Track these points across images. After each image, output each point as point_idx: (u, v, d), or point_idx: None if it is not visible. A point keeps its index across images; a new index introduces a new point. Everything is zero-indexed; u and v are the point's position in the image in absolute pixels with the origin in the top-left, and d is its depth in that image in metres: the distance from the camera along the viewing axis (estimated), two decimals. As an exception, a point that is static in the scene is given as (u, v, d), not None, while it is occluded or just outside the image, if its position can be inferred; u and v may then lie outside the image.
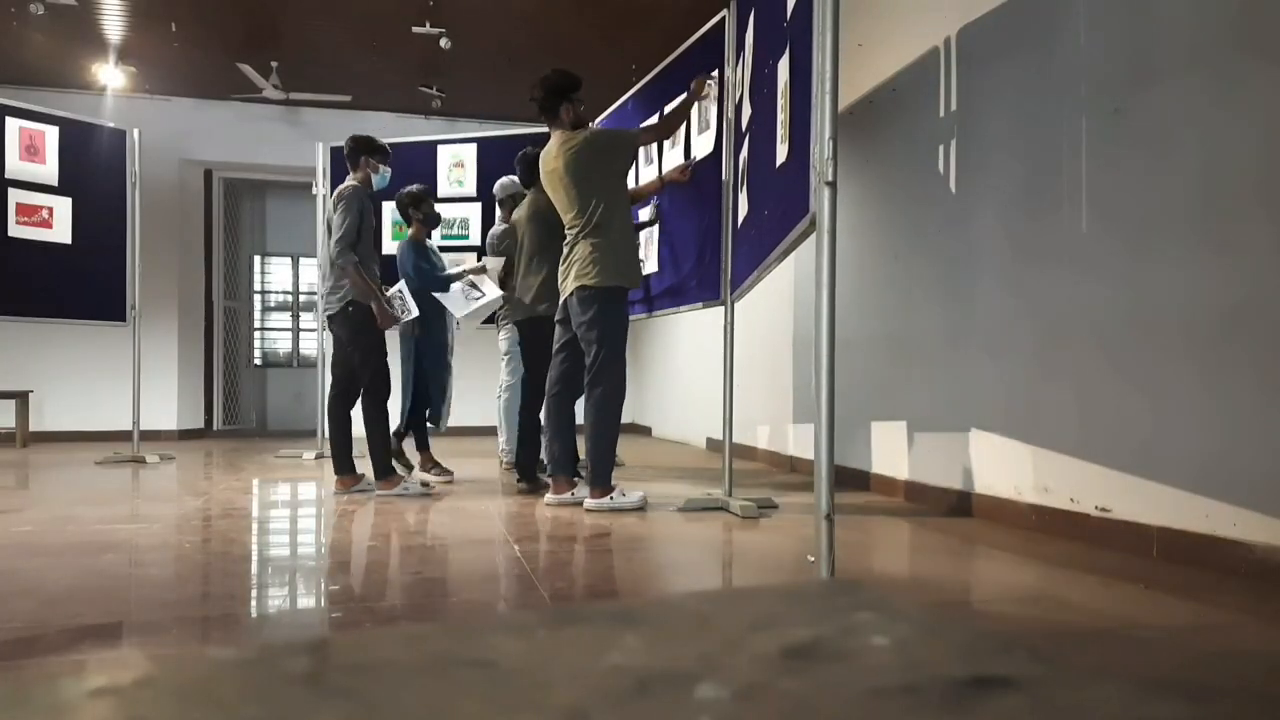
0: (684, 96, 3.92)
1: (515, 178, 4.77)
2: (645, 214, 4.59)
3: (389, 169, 4.28)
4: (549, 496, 3.79)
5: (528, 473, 4.22)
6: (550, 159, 3.71)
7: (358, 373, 4.07)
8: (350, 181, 4.13)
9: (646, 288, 4.65)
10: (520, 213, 4.40)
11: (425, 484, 4.21)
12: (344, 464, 4.08)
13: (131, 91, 7.34)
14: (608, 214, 3.62)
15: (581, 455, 3.98)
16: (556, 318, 3.87)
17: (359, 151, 4.18)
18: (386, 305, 4.07)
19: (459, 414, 5.99)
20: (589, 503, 3.59)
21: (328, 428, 4.21)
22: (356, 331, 4.02)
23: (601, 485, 3.59)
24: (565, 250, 3.73)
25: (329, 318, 4.12)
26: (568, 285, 3.67)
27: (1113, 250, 2.77)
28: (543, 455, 4.09)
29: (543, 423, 3.99)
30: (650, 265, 4.67)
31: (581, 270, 3.59)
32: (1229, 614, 2.00)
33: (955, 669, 0.44)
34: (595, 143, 3.64)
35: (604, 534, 3.10)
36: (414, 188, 4.84)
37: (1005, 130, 3.24)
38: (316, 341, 6.48)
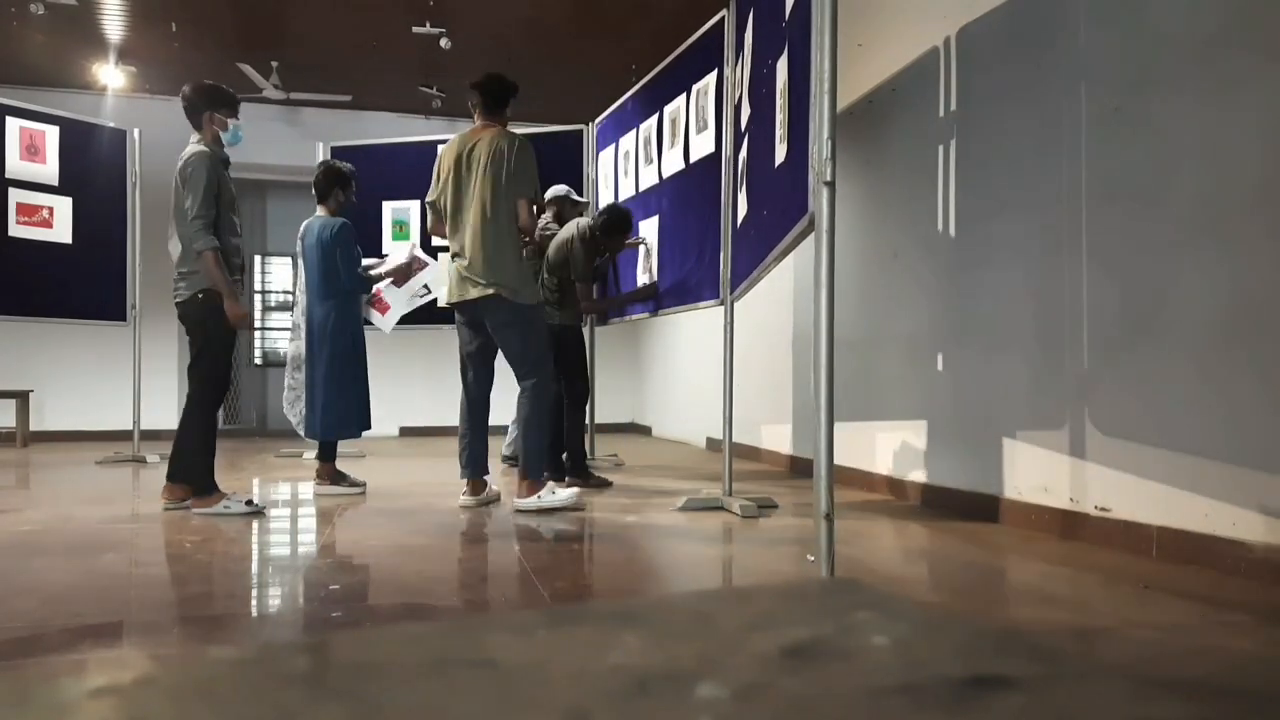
0: None
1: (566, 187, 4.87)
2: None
3: (239, 122, 3.62)
4: (463, 498, 3.72)
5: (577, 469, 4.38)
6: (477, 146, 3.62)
7: (190, 370, 3.53)
8: (195, 146, 3.47)
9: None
10: None
11: (250, 502, 3.52)
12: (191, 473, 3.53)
13: (132, 91, 7.34)
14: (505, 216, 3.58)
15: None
16: (452, 301, 3.70)
17: (201, 106, 3.50)
18: (236, 300, 3.44)
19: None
20: (518, 502, 3.55)
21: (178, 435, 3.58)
22: (201, 324, 3.44)
23: (531, 481, 3.57)
24: (471, 242, 3.56)
25: (177, 305, 3.50)
26: (478, 287, 3.53)
27: (1113, 249, 2.77)
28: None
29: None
30: (650, 265, 4.68)
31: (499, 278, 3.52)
32: (1229, 614, 2.00)
33: (955, 669, 0.44)
34: (524, 150, 3.59)
35: (605, 534, 3.10)
36: (346, 166, 4.28)
37: (1005, 130, 3.24)
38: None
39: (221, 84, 3.66)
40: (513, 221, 3.56)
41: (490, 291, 3.51)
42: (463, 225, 3.59)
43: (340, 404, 4.12)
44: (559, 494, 3.57)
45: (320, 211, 4.20)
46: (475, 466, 3.72)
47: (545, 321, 3.91)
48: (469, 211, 3.57)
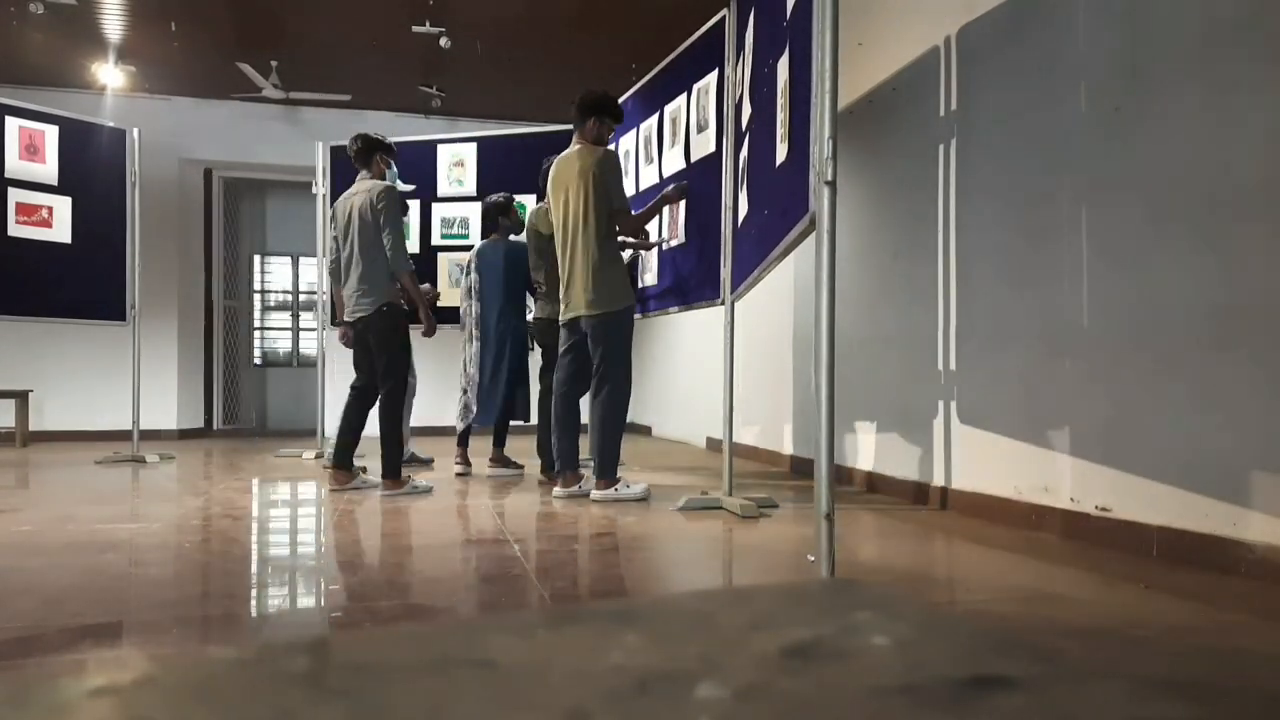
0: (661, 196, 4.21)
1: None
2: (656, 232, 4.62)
3: (396, 170, 4.33)
4: (557, 489, 3.95)
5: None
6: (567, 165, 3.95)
7: (383, 375, 4.07)
8: (380, 181, 4.10)
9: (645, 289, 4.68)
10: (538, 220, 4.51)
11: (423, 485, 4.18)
12: (345, 460, 4.17)
13: (131, 91, 7.34)
14: (606, 231, 3.85)
15: (584, 452, 4.11)
16: (562, 321, 4.02)
17: (371, 150, 4.15)
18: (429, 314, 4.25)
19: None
20: (595, 494, 3.83)
21: (340, 424, 4.20)
22: (390, 334, 4.07)
23: (607, 477, 3.84)
24: (570, 261, 3.90)
25: (361, 320, 4.07)
26: (578, 302, 3.87)
27: (1112, 249, 2.77)
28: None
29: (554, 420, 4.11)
30: (651, 267, 4.68)
31: (594, 295, 3.82)
32: (1229, 614, 2.00)
33: (955, 669, 0.44)
34: (607, 163, 3.86)
35: (604, 533, 3.10)
36: (500, 197, 4.92)
37: (1005, 129, 3.24)
38: (316, 341, 6.48)
39: (382, 136, 4.30)
40: (609, 236, 3.89)
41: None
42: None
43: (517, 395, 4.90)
44: (633, 488, 3.86)
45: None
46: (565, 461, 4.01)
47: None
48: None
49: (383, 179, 4.15)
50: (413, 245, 6.00)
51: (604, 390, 3.84)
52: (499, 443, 4.94)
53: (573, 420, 4.00)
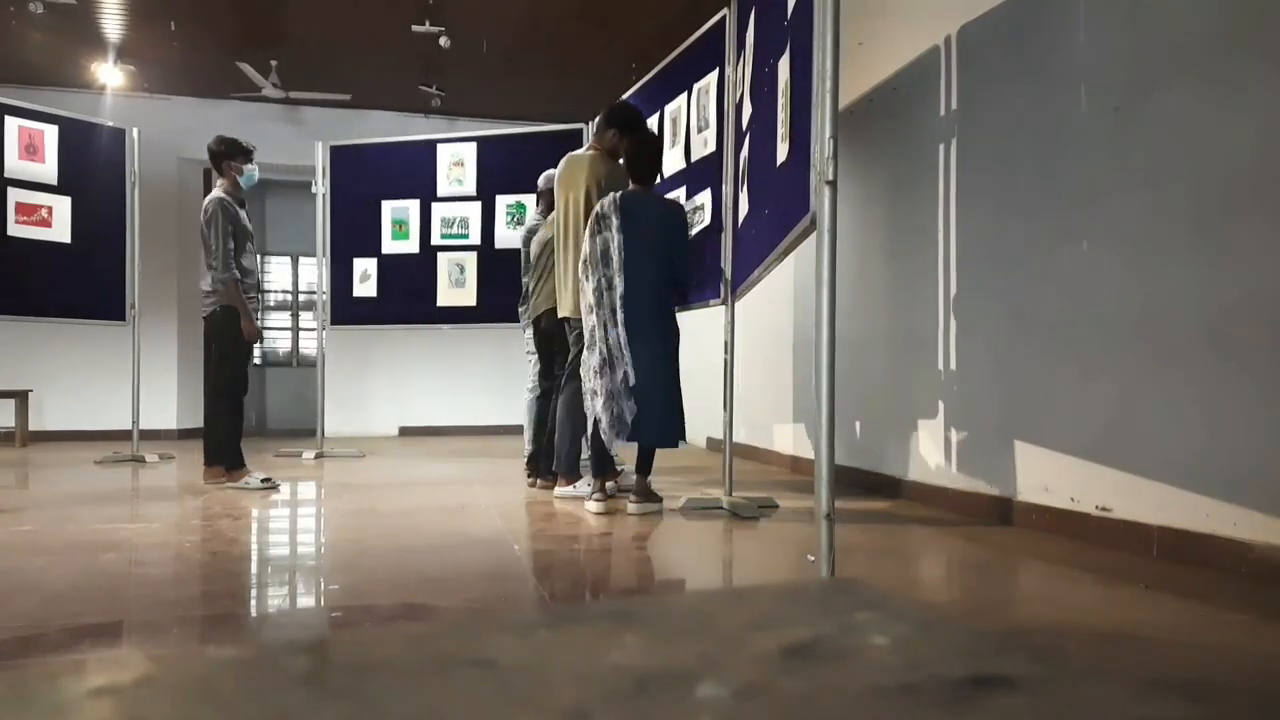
0: None
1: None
2: None
3: (254, 166, 4.42)
4: (558, 490, 3.96)
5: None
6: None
7: (215, 372, 4.32)
8: (215, 193, 4.27)
9: None
10: (547, 234, 4.45)
11: (266, 480, 4.26)
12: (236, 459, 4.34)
13: (131, 90, 7.34)
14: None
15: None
16: (560, 318, 4.00)
17: (222, 156, 4.32)
18: (250, 319, 4.31)
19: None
20: (556, 490, 3.96)
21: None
22: (221, 333, 4.28)
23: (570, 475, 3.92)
24: (565, 262, 3.90)
25: (205, 319, 4.33)
26: (567, 303, 3.88)
27: (1112, 249, 2.77)
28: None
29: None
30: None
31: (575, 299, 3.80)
32: (1229, 614, 2.00)
33: (955, 669, 0.44)
34: (615, 179, 3.82)
35: (604, 533, 3.10)
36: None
37: (1005, 129, 3.24)
38: (316, 341, 6.48)
39: (237, 138, 4.40)
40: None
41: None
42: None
43: None
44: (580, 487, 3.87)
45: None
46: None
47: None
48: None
49: (235, 187, 4.34)
50: (412, 245, 6.02)
51: (569, 388, 3.87)
52: (645, 468, 3.64)
53: (577, 420, 3.95)
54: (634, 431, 3.50)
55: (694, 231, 4.01)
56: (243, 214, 4.34)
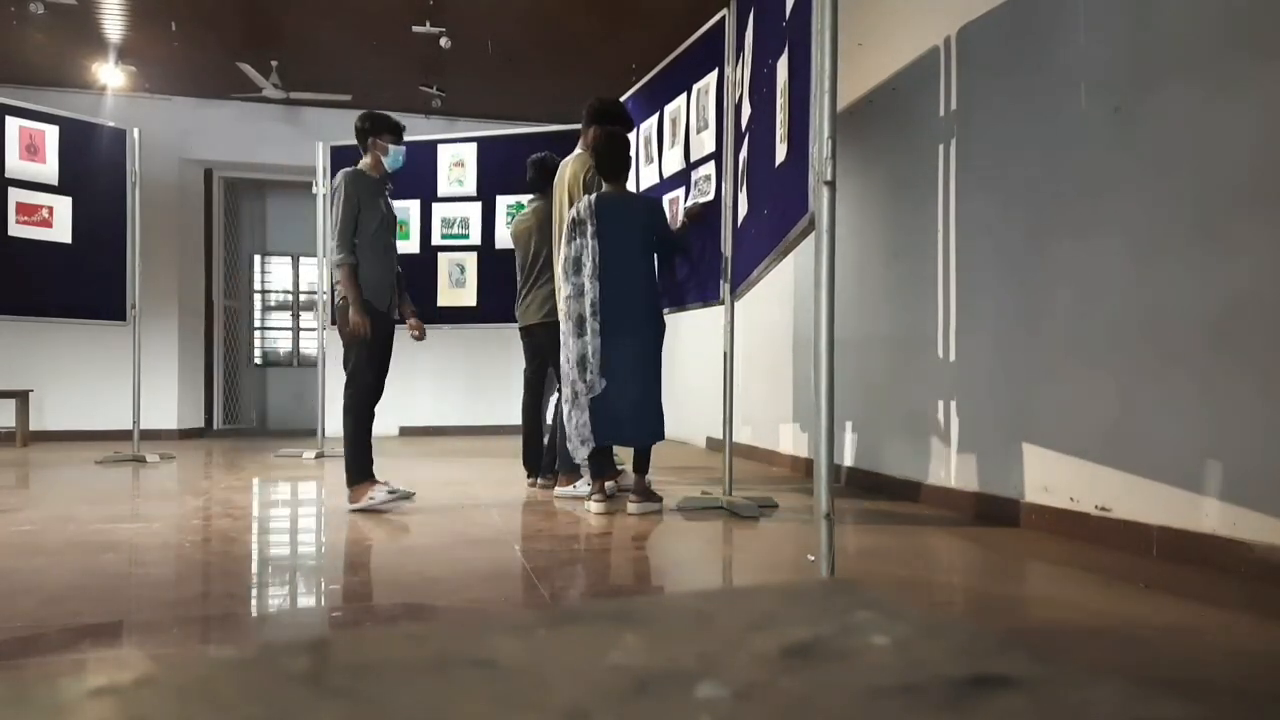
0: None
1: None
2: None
3: (402, 147, 3.88)
4: (557, 490, 4.01)
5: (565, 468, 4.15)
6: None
7: (345, 383, 3.67)
8: (349, 168, 3.74)
9: None
10: (528, 221, 4.39)
11: (393, 491, 3.64)
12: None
13: (131, 91, 7.34)
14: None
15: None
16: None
17: (367, 133, 3.82)
18: (362, 316, 3.59)
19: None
20: (557, 490, 4.02)
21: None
22: (342, 337, 3.68)
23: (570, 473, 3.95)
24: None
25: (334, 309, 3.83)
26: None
27: (1112, 249, 2.77)
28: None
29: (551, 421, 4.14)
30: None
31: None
32: (1229, 614, 2.00)
33: (955, 669, 0.44)
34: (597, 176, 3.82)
35: (604, 533, 3.10)
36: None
37: (1005, 129, 3.24)
38: (317, 341, 6.48)
39: (387, 113, 3.90)
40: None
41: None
42: None
43: None
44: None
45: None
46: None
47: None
48: None
49: (378, 167, 3.81)
50: (413, 245, 6.01)
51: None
52: (642, 467, 3.68)
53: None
54: (615, 432, 3.51)
55: (701, 201, 4.01)
56: (384, 197, 3.77)
